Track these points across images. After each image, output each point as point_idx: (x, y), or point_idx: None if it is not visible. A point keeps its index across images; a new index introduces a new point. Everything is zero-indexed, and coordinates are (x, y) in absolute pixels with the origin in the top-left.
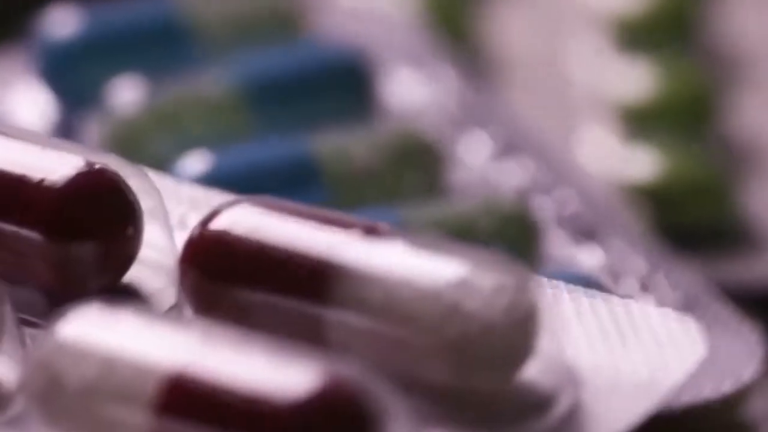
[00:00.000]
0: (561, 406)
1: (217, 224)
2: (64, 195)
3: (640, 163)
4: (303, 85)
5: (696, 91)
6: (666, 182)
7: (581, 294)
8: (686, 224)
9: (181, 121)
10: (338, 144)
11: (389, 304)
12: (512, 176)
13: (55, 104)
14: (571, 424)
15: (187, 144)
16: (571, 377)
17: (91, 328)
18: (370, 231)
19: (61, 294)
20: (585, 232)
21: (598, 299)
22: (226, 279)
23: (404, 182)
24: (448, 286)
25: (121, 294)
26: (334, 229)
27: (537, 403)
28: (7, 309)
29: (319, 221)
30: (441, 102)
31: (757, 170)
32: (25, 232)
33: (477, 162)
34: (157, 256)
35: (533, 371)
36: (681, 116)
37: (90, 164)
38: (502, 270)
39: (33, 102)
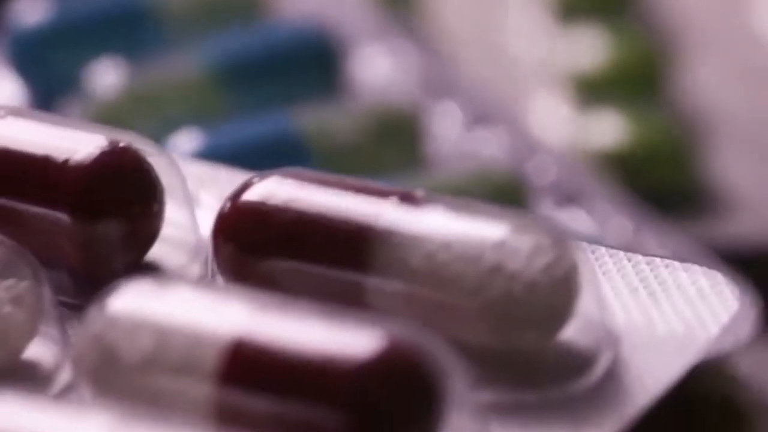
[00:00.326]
0: (601, 366)
1: (249, 196)
2: (90, 174)
3: (600, 130)
4: (274, 64)
5: (645, 58)
6: (627, 148)
7: (604, 253)
8: (649, 189)
9: (160, 103)
10: (322, 120)
11: (430, 267)
12: (486, 146)
13: (28, 91)
14: (611, 382)
15: (168, 125)
16: (609, 336)
17: (143, 301)
18: (406, 197)
19: (87, 273)
20: (567, 197)
21: (622, 257)
22: (262, 250)
23: (386, 155)
24: (488, 247)
25: (146, 272)
26: (370, 196)
27: (577, 362)
28: (47, 290)
29: (353, 190)
30: (406, 76)
31: (709, 134)
32: (51, 212)
33: (449, 133)
34: (177, 233)
35: (573, 331)
36: (632, 83)
37: (113, 143)
38: (541, 230)
39: (5, 90)
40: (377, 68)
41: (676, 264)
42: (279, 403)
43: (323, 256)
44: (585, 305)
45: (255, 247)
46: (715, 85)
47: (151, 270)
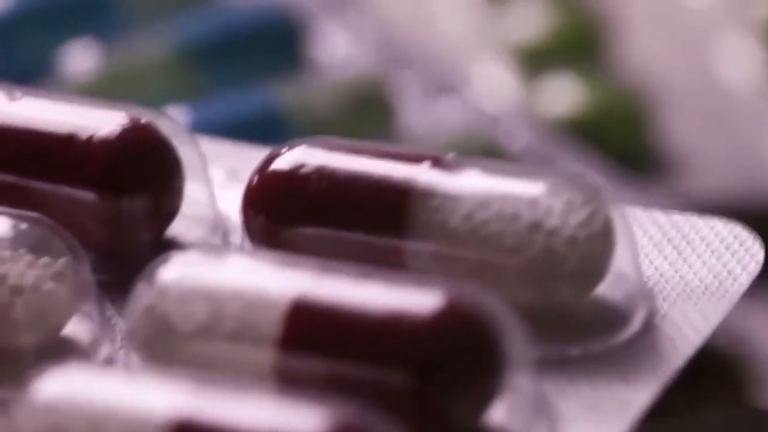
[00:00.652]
0: (640, 318)
1: (279, 167)
2: (115, 151)
3: (550, 98)
4: (238, 43)
5: (585, 27)
6: (581, 114)
7: (621, 209)
8: (603, 153)
9: (132, 84)
10: (302, 95)
11: (469, 228)
12: (451, 115)
13: None
14: (652, 334)
15: (141, 105)
16: (645, 289)
17: (193, 271)
18: (437, 161)
19: (111, 250)
20: (541, 161)
21: (641, 213)
22: (296, 220)
23: (363, 126)
24: (525, 205)
25: (167, 247)
26: (402, 161)
27: (616, 316)
28: (86, 266)
29: (383, 156)
30: (365, 51)
31: (654, 100)
32: (75, 189)
33: (414, 104)
34: (195, 208)
35: (610, 285)
36: (575, 53)
37: (135, 120)
38: (574, 187)
39: None
40: (336, 44)
41: (696, 217)
42: (341, 365)
43: (359, 222)
44: (620, 259)
45: (289, 217)
46: (655, 54)
47: (172, 246)
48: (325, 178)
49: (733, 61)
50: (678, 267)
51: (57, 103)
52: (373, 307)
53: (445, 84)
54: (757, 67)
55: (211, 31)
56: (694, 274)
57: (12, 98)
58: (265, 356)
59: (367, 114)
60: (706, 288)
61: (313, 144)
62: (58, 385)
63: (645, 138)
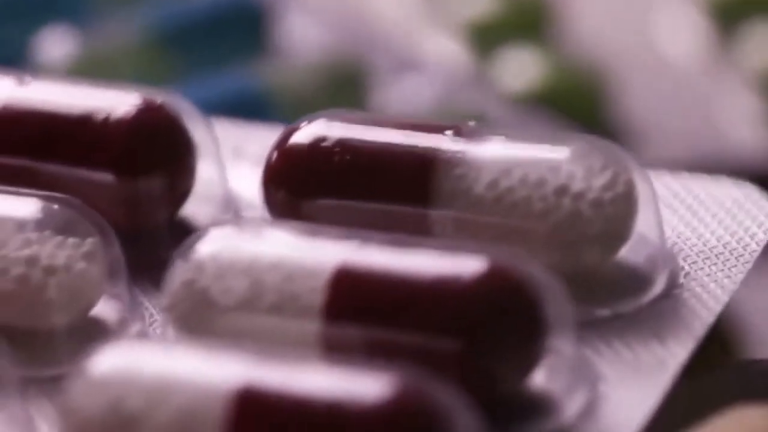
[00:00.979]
0: (662, 279)
1: (299, 141)
2: (132, 131)
3: (509, 73)
4: (208, 27)
5: (534, 3)
6: (540, 89)
7: (643, 171)
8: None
9: (108, 69)
10: (278, 76)
11: (495, 195)
12: (420, 91)
13: None
14: (675, 294)
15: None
16: (668, 249)
17: (230, 245)
18: (459, 130)
19: (127, 230)
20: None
21: (650, 174)
22: (320, 192)
23: (338, 105)
24: (549, 170)
25: (181, 227)
26: (423, 131)
27: (641, 277)
28: (116, 246)
29: (404, 127)
30: (329, 31)
31: (607, 73)
32: (92, 170)
33: (385, 81)
34: (205, 188)
35: (633, 247)
36: (525, 29)
37: (149, 100)
38: (596, 150)
39: None
40: (300, 26)
41: (706, 177)
42: (386, 331)
43: (384, 192)
44: (643, 220)
45: (312, 191)
46: (602, 29)
47: (185, 226)
48: (348, 150)
49: (677, 34)
50: (694, 227)
51: (67, 86)
52: (417, 272)
53: (408, 61)
54: (700, 39)
55: (181, 15)
56: (712, 233)
57: (22, 83)
58: (310, 326)
59: (341, 92)
60: (725, 247)
61: (332, 117)
62: (114, 361)
63: (601, 111)
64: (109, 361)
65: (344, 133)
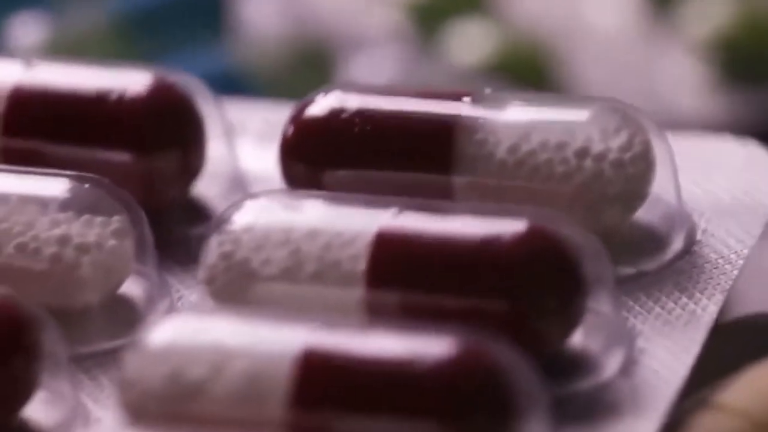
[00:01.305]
0: (680, 237)
1: (317, 113)
2: (147, 109)
3: (459, 48)
4: (169, 13)
5: None
6: (490, 62)
7: (659, 131)
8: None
9: (81, 54)
10: (255, 54)
11: (516, 158)
12: (384, 68)
13: None
14: (696, 251)
15: None
16: (684, 208)
17: (268, 216)
18: (477, 97)
19: (142, 207)
20: None
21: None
22: (341, 163)
23: (309, 81)
24: (569, 133)
25: (194, 204)
26: (441, 99)
27: (658, 235)
28: (146, 224)
29: (421, 95)
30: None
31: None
32: (107, 149)
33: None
34: (215, 166)
35: (650, 205)
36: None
37: (161, 79)
38: (612, 112)
39: None
40: (261, 6)
41: (709, 136)
42: (429, 294)
43: (406, 160)
44: (660, 179)
45: (333, 162)
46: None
47: (199, 202)
48: (368, 119)
49: (617, 3)
50: (704, 185)
51: (76, 67)
52: (458, 235)
53: (359, 38)
54: (640, 8)
55: (142, 2)
56: (724, 190)
57: (30, 65)
58: (353, 292)
59: (309, 67)
60: (738, 203)
61: (347, 89)
62: (170, 333)
63: (548, 80)
64: (166, 333)
65: (362, 103)
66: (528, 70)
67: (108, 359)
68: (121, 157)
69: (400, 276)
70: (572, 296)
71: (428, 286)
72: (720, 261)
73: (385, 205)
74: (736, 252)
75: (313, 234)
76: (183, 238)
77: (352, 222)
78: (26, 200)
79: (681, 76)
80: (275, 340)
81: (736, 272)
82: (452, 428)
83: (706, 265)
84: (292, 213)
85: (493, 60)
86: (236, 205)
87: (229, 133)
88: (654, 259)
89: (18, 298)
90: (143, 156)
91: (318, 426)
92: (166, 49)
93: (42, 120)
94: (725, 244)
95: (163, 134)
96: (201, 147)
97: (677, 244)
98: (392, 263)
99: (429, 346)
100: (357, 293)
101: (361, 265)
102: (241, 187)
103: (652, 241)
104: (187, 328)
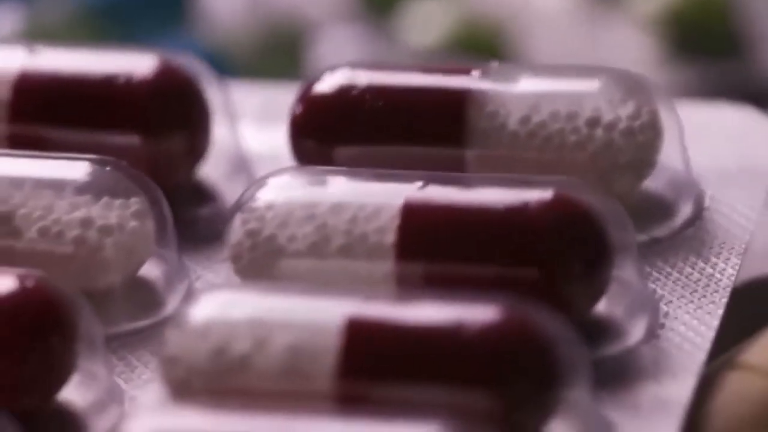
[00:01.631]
0: (689, 203)
1: (326, 90)
2: (154, 91)
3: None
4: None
5: None
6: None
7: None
8: None
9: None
10: (224, 40)
11: (528, 129)
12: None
13: None
14: (706, 217)
15: None
16: (691, 175)
17: (292, 194)
18: (485, 70)
19: None
20: None
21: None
22: (354, 139)
23: (279, 63)
24: (577, 103)
25: (199, 185)
26: (450, 73)
27: (667, 202)
28: (165, 206)
29: (430, 71)
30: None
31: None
32: (115, 131)
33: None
34: (219, 147)
35: (658, 173)
36: None
37: (167, 62)
38: (618, 81)
39: None
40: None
41: (704, 104)
42: (458, 266)
43: (418, 134)
44: (667, 147)
45: (346, 138)
46: None
47: (204, 183)
48: (379, 95)
49: None
50: (707, 152)
51: (79, 51)
52: (484, 205)
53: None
54: None
55: None
56: (726, 157)
57: (33, 51)
58: (382, 265)
59: (282, 52)
60: (741, 169)
61: (355, 66)
62: (211, 309)
63: (503, 57)
64: (206, 309)
65: (372, 79)
66: (481, 49)
67: (134, 339)
68: (128, 139)
69: (429, 247)
70: (600, 262)
71: (457, 256)
72: (731, 226)
73: (409, 179)
74: (746, 217)
75: (338, 208)
76: (191, 220)
77: (377, 195)
78: (42, 184)
79: (629, 51)
80: (317, 312)
81: (747, 236)
82: (501, 394)
83: (718, 230)
84: (313, 189)
85: (448, 39)
86: (258, 183)
87: (233, 115)
88: (665, 226)
89: (53, 280)
90: (150, 138)
91: (365, 395)
92: (134, 38)
93: (48, 105)
94: (734, 209)
95: (170, 116)
96: (207, 129)
97: (686, 211)
98: (421, 234)
99: (473, 314)
100: (386, 266)
101: (390, 238)
102: (244, 169)
103: (662, 208)
104: (227, 304)
